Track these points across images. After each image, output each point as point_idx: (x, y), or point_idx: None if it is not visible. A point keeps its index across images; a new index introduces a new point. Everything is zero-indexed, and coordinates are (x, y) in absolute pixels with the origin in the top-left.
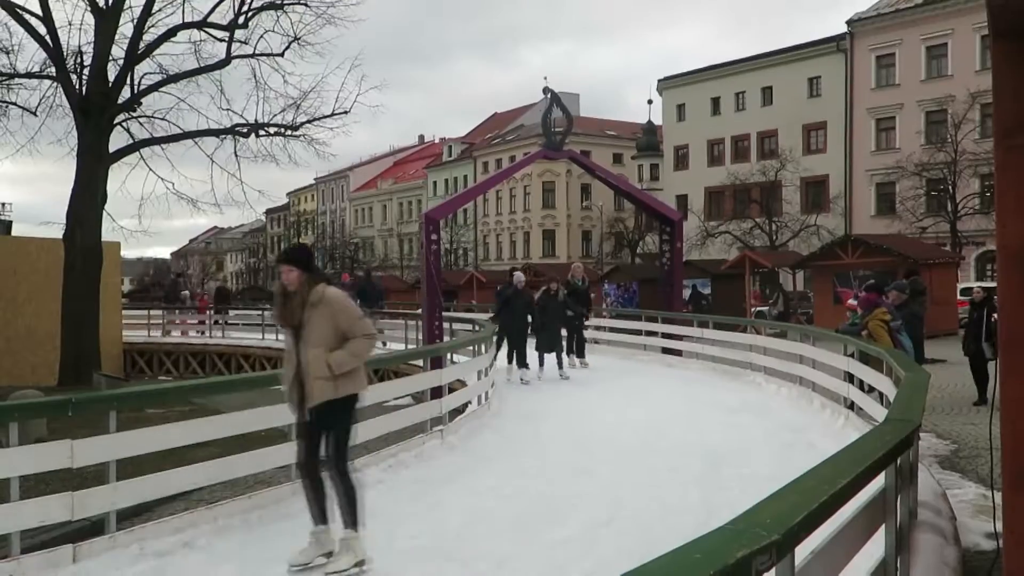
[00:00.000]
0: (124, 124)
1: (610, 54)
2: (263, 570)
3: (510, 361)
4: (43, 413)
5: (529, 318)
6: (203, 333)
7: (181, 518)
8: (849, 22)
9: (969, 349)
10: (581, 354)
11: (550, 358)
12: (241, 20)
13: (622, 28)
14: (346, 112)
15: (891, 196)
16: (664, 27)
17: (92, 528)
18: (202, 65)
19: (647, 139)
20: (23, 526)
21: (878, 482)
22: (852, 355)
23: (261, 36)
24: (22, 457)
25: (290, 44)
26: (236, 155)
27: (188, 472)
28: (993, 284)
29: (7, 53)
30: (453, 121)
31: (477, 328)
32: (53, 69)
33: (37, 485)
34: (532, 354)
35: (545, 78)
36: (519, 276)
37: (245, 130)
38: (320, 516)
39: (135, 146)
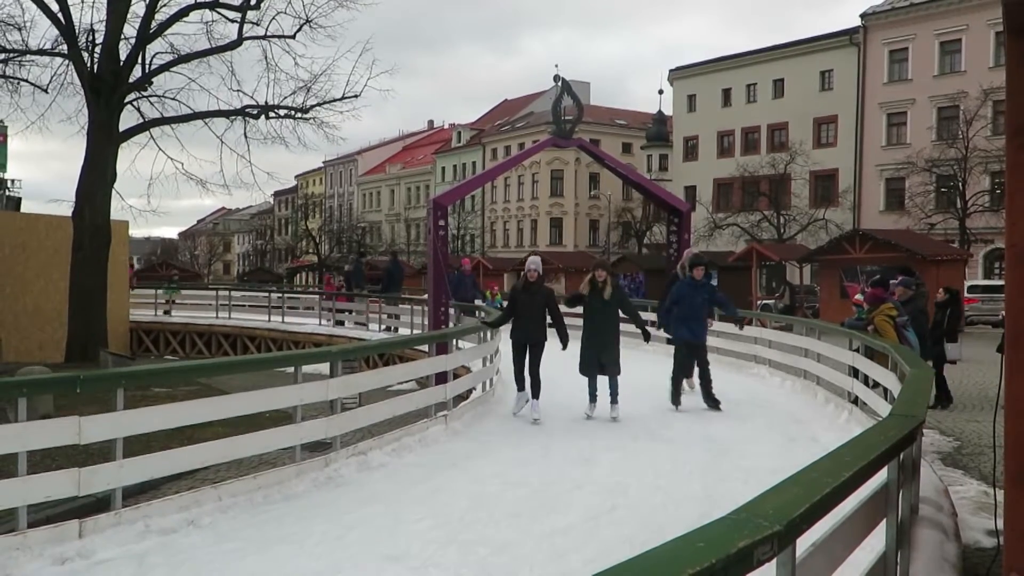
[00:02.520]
0: (135, 103)
1: (612, 44)
2: (266, 549)
3: (520, 387)
4: (51, 389)
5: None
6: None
7: (186, 496)
8: (863, 15)
9: (932, 352)
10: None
11: (602, 387)
12: (253, 1)
13: (624, 18)
14: (356, 96)
15: (900, 191)
16: (667, 17)
17: (98, 504)
18: (214, 46)
19: (657, 129)
20: (30, 500)
21: (880, 476)
22: (857, 350)
23: (273, 17)
24: (30, 432)
25: (302, 26)
26: (246, 136)
27: (194, 451)
28: (1000, 282)
29: (19, 29)
30: (455, 108)
31: (483, 315)
32: (65, 46)
33: (43, 460)
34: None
35: (556, 66)
36: (534, 261)
37: (255, 112)
38: None
39: (145, 125)
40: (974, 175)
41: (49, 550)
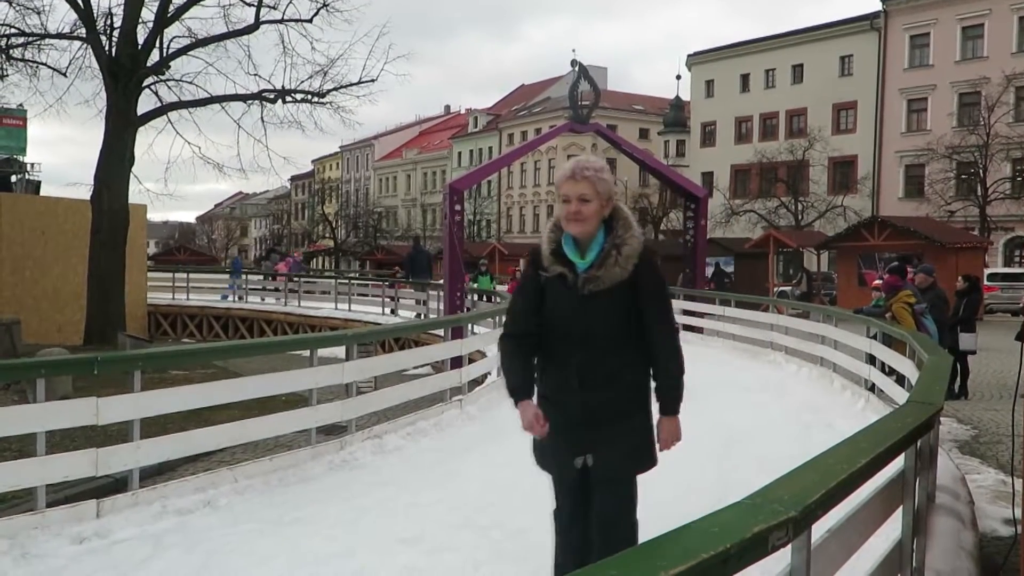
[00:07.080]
0: (152, 87)
1: (613, 30)
2: (282, 531)
3: None
4: (70, 370)
5: None
6: None
7: (203, 478)
8: (884, 0)
9: (946, 341)
10: None
11: None
12: None
13: (623, 6)
14: (373, 80)
15: (920, 178)
16: (665, 5)
17: (116, 485)
18: (231, 30)
19: (674, 115)
20: (48, 480)
21: (897, 464)
22: (874, 337)
23: (290, 2)
24: (49, 413)
25: (319, 10)
26: (263, 121)
27: (210, 433)
28: (1020, 270)
29: (38, 13)
30: (460, 94)
31: (498, 300)
32: (83, 30)
33: (62, 441)
34: None
35: (574, 51)
36: None
37: (272, 96)
38: None
39: (163, 109)
40: (995, 162)
41: (67, 529)
